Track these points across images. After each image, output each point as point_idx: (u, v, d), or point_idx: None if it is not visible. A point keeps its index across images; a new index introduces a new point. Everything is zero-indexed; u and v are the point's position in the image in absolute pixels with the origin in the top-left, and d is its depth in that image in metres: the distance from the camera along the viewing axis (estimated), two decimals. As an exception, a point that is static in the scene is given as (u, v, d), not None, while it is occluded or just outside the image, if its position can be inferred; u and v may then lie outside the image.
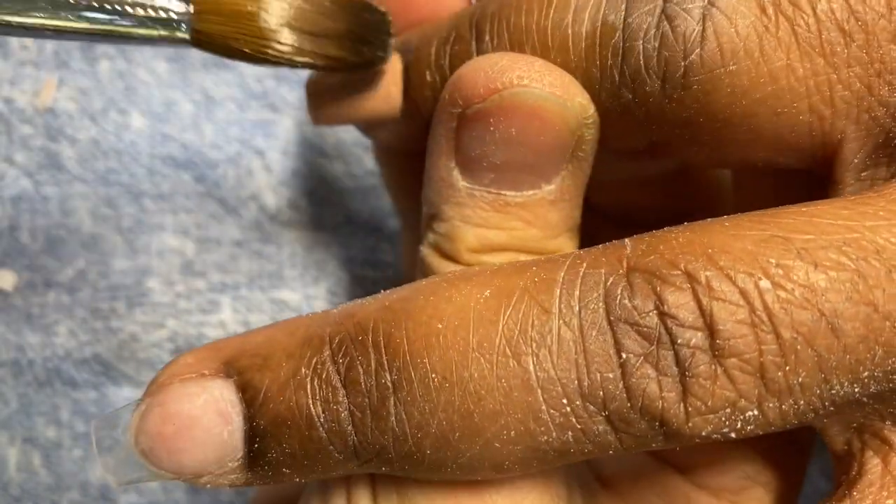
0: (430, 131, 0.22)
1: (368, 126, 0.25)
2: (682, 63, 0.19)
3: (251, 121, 0.33)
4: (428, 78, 0.22)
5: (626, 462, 0.24)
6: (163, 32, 0.20)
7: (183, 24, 0.20)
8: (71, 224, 0.32)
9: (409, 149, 0.25)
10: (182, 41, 0.20)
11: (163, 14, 0.20)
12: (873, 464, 0.19)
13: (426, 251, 0.22)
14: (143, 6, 0.20)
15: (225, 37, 0.20)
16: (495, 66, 0.20)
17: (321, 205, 0.33)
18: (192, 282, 0.32)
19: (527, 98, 0.20)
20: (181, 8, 0.20)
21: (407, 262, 0.30)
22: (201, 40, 0.20)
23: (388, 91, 0.23)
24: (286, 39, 0.20)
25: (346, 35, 0.21)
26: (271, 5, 0.20)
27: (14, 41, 0.33)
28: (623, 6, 0.19)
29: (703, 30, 0.19)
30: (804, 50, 0.18)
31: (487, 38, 0.21)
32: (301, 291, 0.33)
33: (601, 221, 0.28)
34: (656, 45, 0.19)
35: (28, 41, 0.33)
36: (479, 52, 0.21)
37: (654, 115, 0.20)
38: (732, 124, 0.19)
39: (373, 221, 0.33)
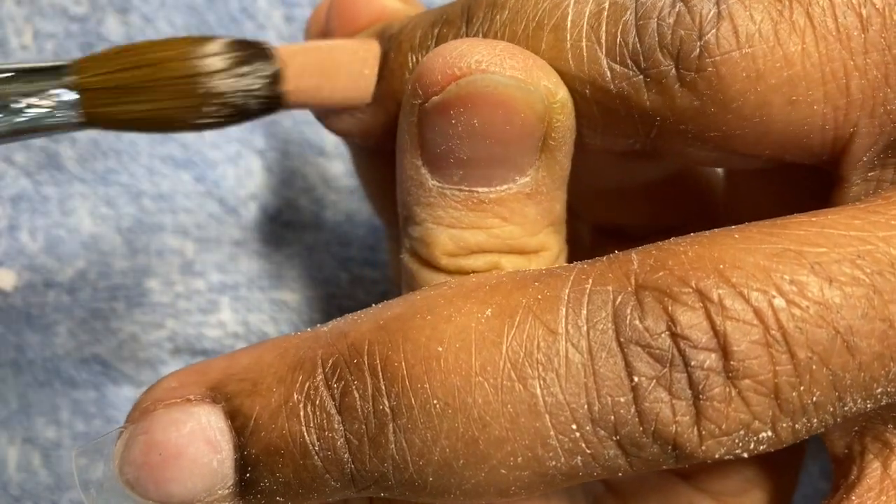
0: (398, 126, 0.20)
1: (331, 115, 0.23)
2: (698, 43, 0.18)
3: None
4: (410, 62, 0.21)
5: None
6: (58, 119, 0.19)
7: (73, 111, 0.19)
8: (71, 224, 0.32)
9: (381, 146, 0.23)
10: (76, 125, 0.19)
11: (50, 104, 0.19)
12: (873, 467, 0.19)
13: (405, 257, 0.21)
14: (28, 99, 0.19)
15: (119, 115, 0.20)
16: (454, 51, 0.18)
17: (321, 205, 0.33)
18: (192, 282, 0.32)
19: (486, 85, 0.18)
20: (69, 97, 0.19)
21: (393, 269, 0.29)
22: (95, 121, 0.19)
23: (361, 73, 0.21)
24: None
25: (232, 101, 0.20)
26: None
27: (14, 41, 0.33)
28: None
29: (719, 11, 0.18)
30: (820, 34, 0.18)
31: (479, 21, 0.20)
32: (300, 292, 0.33)
33: (594, 232, 0.27)
34: (671, 22, 0.18)
35: (28, 41, 0.33)
36: (468, 36, 0.20)
37: (663, 101, 0.19)
38: (743, 115, 0.19)
39: (373, 221, 0.33)
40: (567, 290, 0.18)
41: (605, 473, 0.18)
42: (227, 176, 0.33)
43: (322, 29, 0.24)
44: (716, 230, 0.18)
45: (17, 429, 0.32)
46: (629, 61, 0.19)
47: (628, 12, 0.18)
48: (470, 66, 0.18)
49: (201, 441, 0.18)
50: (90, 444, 0.19)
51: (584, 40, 0.19)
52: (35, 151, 0.32)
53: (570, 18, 0.19)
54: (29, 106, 0.19)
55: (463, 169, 0.19)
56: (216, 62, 0.20)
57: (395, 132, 0.21)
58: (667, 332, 0.17)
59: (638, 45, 0.18)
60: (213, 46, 0.20)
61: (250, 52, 0.21)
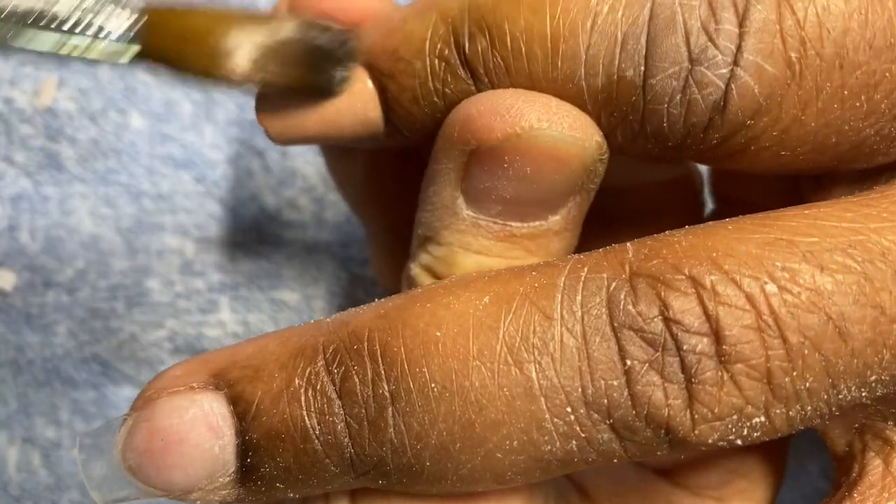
0: (432, 162, 0.21)
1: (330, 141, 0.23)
2: (707, 124, 0.18)
3: (251, 121, 0.33)
4: (419, 111, 0.21)
5: (605, 467, 0.24)
6: (110, 48, 0.19)
7: (131, 40, 0.19)
8: (70, 224, 0.32)
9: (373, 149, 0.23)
10: (129, 57, 0.19)
11: (110, 29, 0.19)
12: (874, 465, 0.19)
13: (417, 271, 0.21)
14: (87, 23, 0.19)
15: (178, 53, 0.19)
16: (511, 109, 0.19)
17: (321, 205, 0.33)
18: (192, 282, 0.32)
19: (546, 140, 0.19)
20: (127, 24, 0.19)
21: (375, 265, 0.29)
22: (151, 56, 0.19)
23: (366, 116, 0.21)
24: (244, 58, 0.20)
25: (307, 52, 0.20)
26: (230, 26, 0.20)
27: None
28: (641, 63, 0.18)
29: (726, 93, 0.18)
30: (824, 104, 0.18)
31: (486, 79, 0.20)
32: (300, 291, 0.33)
33: (592, 224, 0.27)
34: (683, 111, 0.18)
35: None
36: (480, 91, 0.20)
37: (673, 157, 0.20)
38: (744, 167, 0.19)
39: (373, 221, 0.33)
40: (563, 278, 0.18)
41: (600, 459, 0.18)
42: (227, 176, 0.33)
43: None
44: (710, 223, 0.18)
45: (17, 429, 0.32)
46: (637, 133, 0.19)
47: (637, 92, 0.19)
48: (531, 123, 0.19)
49: (203, 427, 0.18)
50: (93, 431, 0.19)
51: (601, 111, 0.19)
52: (35, 151, 0.32)
53: (586, 92, 0.19)
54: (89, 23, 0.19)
55: (502, 205, 0.20)
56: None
57: (395, 144, 0.22)
58: (659, 317, 0.17)
59: (647, 126, 0.19)
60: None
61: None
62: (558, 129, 0.19)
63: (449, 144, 0.20)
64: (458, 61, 0.20)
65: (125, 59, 0.19)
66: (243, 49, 0.20)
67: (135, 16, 0.19)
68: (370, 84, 0.21)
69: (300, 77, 0.21)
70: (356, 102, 0.21)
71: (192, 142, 0.33)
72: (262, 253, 0.33)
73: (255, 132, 0.33)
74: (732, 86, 0.18)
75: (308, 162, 0.33)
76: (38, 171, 0.32)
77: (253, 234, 0.33)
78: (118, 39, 0.19)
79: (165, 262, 0.32)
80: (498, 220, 0.20)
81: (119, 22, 0.19)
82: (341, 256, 0.33)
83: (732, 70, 0.18)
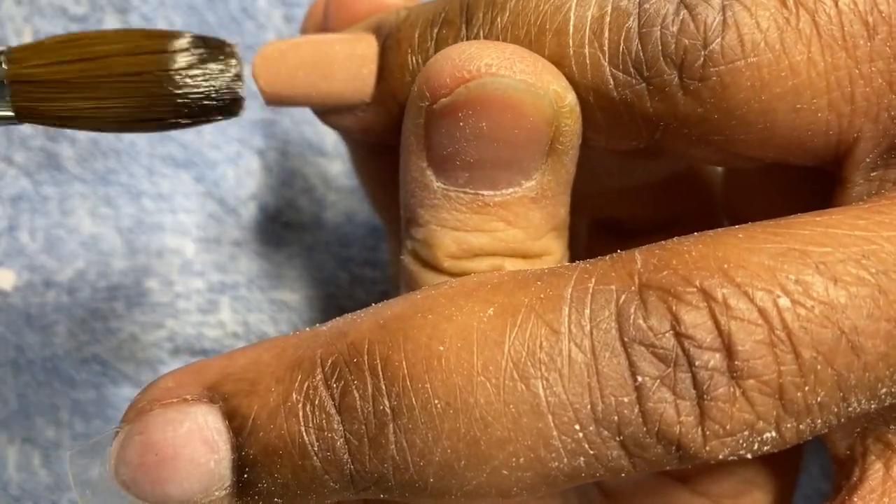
0: (403, 128, 0.20)
1: (330, 112, 0.23)
2: (702, 52, 0.18)
3: (251, 121, 0.33)
4: (410, 62, 0.20)
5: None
6: None
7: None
8: (70, 224, 0.32)
9: (382, 143, 0.23)
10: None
11: None
12: (875, 468, 0.19)
13: (407, 259, 0.21)
14: None
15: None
16: (463, 54, 0.18)
17: (321, 205, 0.33)
18: (192, 282, 0.32)
19: (495, 88, 0.18)
20: None
21: (393, 268, 0.29)
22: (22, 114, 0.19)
23: (360, 72, 0.21)
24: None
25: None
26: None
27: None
28: None
29: (724, 19, 0.18)
30: (826, 43, 0.18)
31: (479, 22, 0.19)
32: (300, 291, 0.33)
33: (595, 231, 0.27)
34: (675, 31, 0.18)
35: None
36: (469, 38, 0.20)
37: (666, 109, 0.19)
38: (748, 122, 0.19)
39: (373, 221, 0.33)
40: (570, 290, 0.17)
41: (607, 474, 0.18)
42: (227, 176, 0.33)
43: (319, 26, 0.24)
44: (719, 230, 0.18)
45: (17, 429, 0.32)
46: (632, 69, 0.18)
47: (631, 18, 0.18)
48: (480, 69, 0.18)
49: (198, 441, 0.18)
50: (85, 445, 0.19)
51: (586, 46, 0.19)
52: (35, 151, 0.32)
53: (572, 23, 0.19)
54: None
55: (469, 171, 0.19)
56: (175, 59, 0.19)
57: (396, 130, 0.21)
58: (671, 332, 0.17)
59: (641, 54, 0.18)
60: (170, 42, 0.19)
61: (212, 49, 0.20)
62: (507, 73, 0.18)
63: (411, 103, 0.19)
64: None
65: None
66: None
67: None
68: (376, 43, 0.21)
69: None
70: (356, 47, 0.21)
71: (192, 142, 0.33)
72: (262, 253, 0.33)
73: (254, 132, 0.33)
74: (729, 13, 0.18)
75: (308, 162, 0.33)
76: (38, 171, 0.32)
77: (253, 234, 0.33)
78: None
79: (165, 262, 0.32)
80: (468, 189, 0.19)
81: None
82: (341, 256, 0.33)
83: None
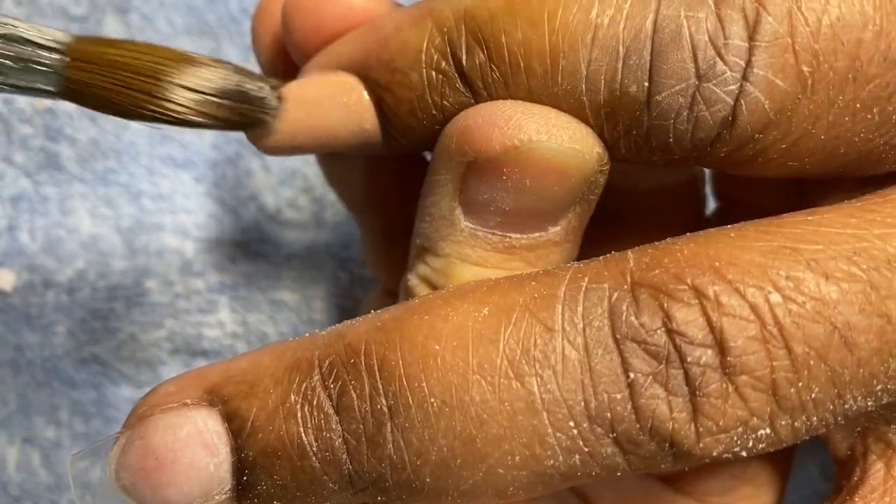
0: (430, 173, 0.20)
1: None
2: (714, 139, 0.18)
3: (251, 121, 0.33)
4: (417, 122, 0.20)
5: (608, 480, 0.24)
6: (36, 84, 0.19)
7: (55, 74, 0.19)
8: (70, 224, 0.32)
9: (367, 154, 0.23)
10: (53, 93, 0.19)
11: (36, 60, 0.19)
12: (876, 468, 0.19)
13: (415, 282, 0.21)
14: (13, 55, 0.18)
15: (102, 89, 0.19)
16: (510, 121, 0.18)
17: (320, 205, 0.33)
18: (191, 282, 0.32)
19: (545, 153, 0.18)
20: (54, 56, 0.19)
21: (372, 266, 0.29)
22: (74, 91, 0.19)
23: (362, 127, 0.21)
24: (176, 98, 0.19)
25: (240, 98, 0.20)
26: (168, 66, 0.19)
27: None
28: (646, 79, 0.18)
29: (735, 109, 0.18)
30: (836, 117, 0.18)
31: (484, 93, 0.19)
32: (300, 292, 0.33)
33: (593, 228, 0.27)
34: (690, 127, 0.18)
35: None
36: (478, 103, 0.19)
37: (677, 164, 0.19)
38: (750, 174, 0.19)
39: (372, 222, 0.33)
40: (563, 288, 0.18)
41: (603, 473, 0.18)
42: (226, 176, 0.33)
43: (274, 31, 0.23)
44: (711, 229, 0.18)
45: (17, 429, 0.32)
46: (641, 147, 0.19)
47: (640, 107, 0.18)
48: (529, 136, 0.18)
49: (198, 445, 0.18)
50: (86, 450, 0.19)
51: (603, 124, 0.19)
52: (35, 151, 0.32)
53: (588, 108, 0.19)
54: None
55: (502, 217, 0.20)
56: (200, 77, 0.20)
57: (393, 147, 0.21)
58: (663, 329, 0.17)
59: (652, 140, 0.18)
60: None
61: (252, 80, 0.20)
62: (557, 141, 0.18)
63: (447, 156, 0.20)
64: (455, 74, 0.19)
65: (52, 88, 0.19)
66: (181, 91, 0.19)
67: (61, 49, 0.19)
68: (366, 95, 0.20)
69: (228, 120, 0.20)
70: (351, 114, 0.21)
71: (192, 142, 0.33)
72: (262, 253, 0.33)
73: (255, 132, 0.33)
74: (742, 101, 0.18)
75: (308, 162, 0.33)
76: (38, 171, 0.32)
77: (253, 234, 0.33)
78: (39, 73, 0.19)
79: (165, 262, 0.32)
80: (497, 231, 0.20)
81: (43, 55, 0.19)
82: (341, 256, 0.33)
83: (742, 86, 0.17)
